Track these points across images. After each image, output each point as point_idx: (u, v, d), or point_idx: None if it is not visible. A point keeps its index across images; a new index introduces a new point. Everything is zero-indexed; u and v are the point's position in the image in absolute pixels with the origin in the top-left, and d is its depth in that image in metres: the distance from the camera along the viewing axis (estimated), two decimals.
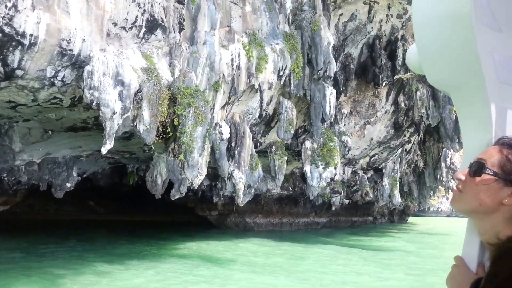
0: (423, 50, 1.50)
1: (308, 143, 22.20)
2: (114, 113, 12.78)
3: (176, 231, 25.80)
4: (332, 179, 22.77)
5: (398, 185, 31.01)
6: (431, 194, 38.01)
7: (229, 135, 18.35)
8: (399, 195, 31.12)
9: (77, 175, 19.38)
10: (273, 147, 21.90)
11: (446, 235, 35.30)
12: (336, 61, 22.82)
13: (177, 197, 16.18)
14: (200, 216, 28.29)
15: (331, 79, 20.52)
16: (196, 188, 16.67)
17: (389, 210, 50.59)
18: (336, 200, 29.47)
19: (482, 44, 1.33)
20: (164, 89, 13.73)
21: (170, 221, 29.91)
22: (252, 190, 19.78)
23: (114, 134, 12.98)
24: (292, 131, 19.93)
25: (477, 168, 1.15)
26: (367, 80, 23.35)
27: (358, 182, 30.83)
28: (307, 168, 21.89)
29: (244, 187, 19.24)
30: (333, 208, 30.02)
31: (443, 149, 33.81)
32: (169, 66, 15.17)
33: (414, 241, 27.37)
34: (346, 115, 24.95)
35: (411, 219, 64.82)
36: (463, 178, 1.19)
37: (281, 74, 18.08)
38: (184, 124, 14.31)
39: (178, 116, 14.30)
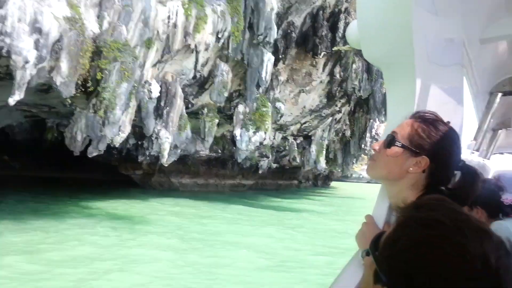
0: (364, 27, 1.57)
1: (241, 107, 21.87)
2: (26, 62, 11.42)
3: (95, 190, 24.67)
4: (261, 143, 22.86)
5: (324, 152, 32.06)
6: (354, 162, 39.91)
7: (159, 94, 17.44)
8: (325, 161, 32.25)
9: None
10: (205, 109, 21.31)
11: (361, 199, 37.59)
12: (278, 29, 22.28)
13: (94, 154, 15.25)
14: (124, 175, 27.28)
15: (271, 45, 20.06)
16: (117, 146, 15.79)
17: (314, 175, 52.71)
18: (264, 163, 29.86)
19: (417, 26, 1.42)
20: (88, 41, 12.45)
21: (92, 179, 28.56)
22: (179, 151, 19.25)
23: (26, 84, 11.66)
24: (226, 95, 19.43)
25: (389, 140, 1.25)
26: (306, 50, 23.19)
27: (287, 148, 31.37)
28: (237, 131, 21.69)
29: (171, 147, 18.66)
30: (260, 171, 30.43)
31: (370, 121, 35.30)
32: (98, 18, 13.76)
33: (330, 204, 28.73)
34: (282, 82, 24.80)
35: (334, 184, 68.43)
36: (377, 148, 1.28)
37: (220, 36, 17.27)
38: (108, 79, 13.24)
39: (102, 70, 13.16)
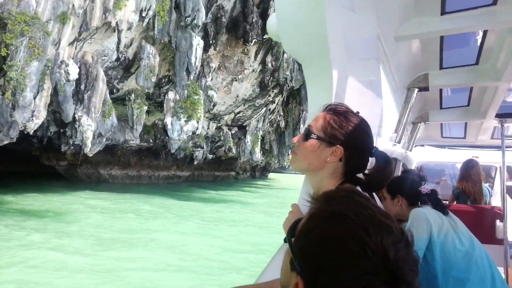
0: (281, 21, 1.60)
1: (171, 94, 21.11)
2: None
3: (11, 183, 22.68)
4: (194, 132, 22.26)
5: (259, 142, 32.07)
6: (289, 153, 40.44)
7: (78, 76, 16.30)
8: (260, 152, 32.27)
9: None
10: (132, 95, 20.31)
11: (296, 190, 38.22)
12: (208, 12, 21.78)
13: (6, 142, 13.88)
14: (47, 166, 25.40)
15: (199, 28, 19.51)
16: (32, 133, 14.50)
17: (251, 166, 52.91)
18: (199, 154, 29.26)
19: (332, 21, 1.46)
20: None
21: (10, 171, 26.27)
22: (104, 140, 18.17)
23: None
24: (154, 80, 18.61)
25: (306, 133, 1.29)
26: (237, 36, 22.88)
27: (222, 138, 30.98)
28: (168, 120, 20.92)
29: (94, 135, 17.55)
30: (195, 163, 29.79)
31: (303, 112, 35.85)
32: None
33: (265, 195, 28.81)
34: (214, 70, 24.33)
35: (272, 175, 69.19)
36: (296, 142, 1.32)
37: (143, 15, 16.44)
38: (14, 57, 12.02)
39: (7, 46, 11.92)
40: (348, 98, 1.51)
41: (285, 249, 1.20)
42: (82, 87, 16.47)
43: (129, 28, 16.11)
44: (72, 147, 23.55)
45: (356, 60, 1.61)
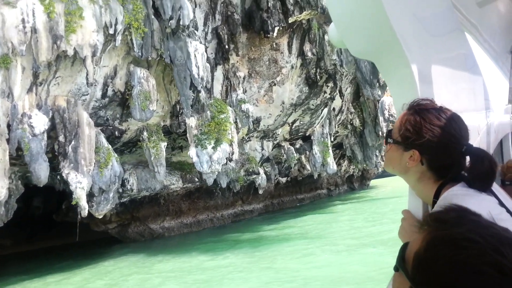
0: (339, 24, 1.58)
1: (192, 120, 17.27)
2: None
3: (69, 255, 20.65)
4: (230, 159, 18.03)
5: (330, 151, 26.68)
6: (377, 154, 34.01)
7: (52, 127, 13.22)
8: (333, 162, 26.80)
9: None
10: (145, 133, 16.88)
11: (398, 198, 31.51)
12: (214, 13, 17.87)
13: None
14: (98, 232, 23.14)
15: (192, 30, 15.56)
16: None
17: (343, 178, 46.94)
18: (261, 181, 24.85)
19: (391, 10, 1.34)
20: None
21: (64, 244, 24.65)
22: (111, 195, 14.78)
23: None
24: (153, 108, 14.94)
25: (386, 136, 1.26)
26: (255, 30, 18.49)
27: (284, 156, 26.30)
28: (192, 151, 17.03)
29: (94, 192, 14.23)
30: (260, 192, 25.42)
31: (379, 101, 29.65)
32: None
33: (352, 211, 23.21)
34: (245, 79, 20.10)
35: (375, 182, 62.07)
36: (384, 143, 1.29)
37: (111, 32, 12.94)
38: None
39: None
40: (436, 82, 1.39)
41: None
42: (61, 138, 13.33)
43: (94, 53, 12.69)
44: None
45: (435, 37, 1.46)
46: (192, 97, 15.35)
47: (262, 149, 24.53)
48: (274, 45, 19.80)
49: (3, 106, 11.96)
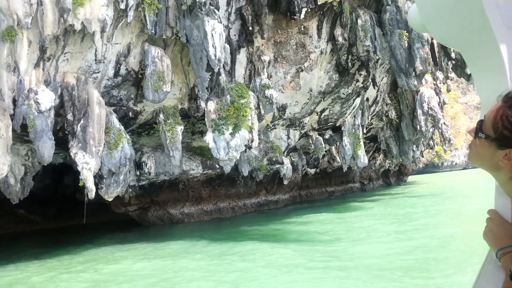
0: (423, 6, 1.47)
1: (211, 104, 16.54)
2: None
3: (88, 235, 20.70)
4: (249, 147, 17.18)
5: (362, 143, 25.23)
6: (414, 149, 32.06)
7: (60, 104, 12.85)
8: (364, 155, 25.34)
9: None
10: (161, 115, 16.32)
11: (434, 196, 29.53)
12: None
13: None
14: (119, 214, 23.06)
15: (212, 8, 14.67)
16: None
17: (378, 172, 45.05)
18: (286, 171, 23.84)
19: None
20: None
21: (88, 224, 24.87)
22: (121, 177, 14.32)
23: None
24: (166, 89, 14.29)
25: (476, 130, 1.15)
26: (281, 11, 17.37)
27: (312, 147, 25.14)
28: (209, 136, 16.32)
29: (103, 173, 13.83)
30: (285, 182, 24.43)
31: (418, 93, 27.75)
32: None
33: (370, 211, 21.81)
34: (270, 63, 19.08)
35: (416, 177, 59.50)
36: (469, 135, 1.19)
37: (122, 6, 12.32)
38: None
39: None
40: None
41: (492, 264, 1.11)
42: (70, 116, 12.94)
43: (103, 29, 12.12)
44: (131, 190, 20.63)
45: None
46: (208, 79, 14.55)
47: (288, 138, 23.50)
48: (302, 29, 18.61)
49: (8, 81, 11.66)
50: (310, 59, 19.54)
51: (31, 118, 11.72)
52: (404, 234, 13.93)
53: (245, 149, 17.24)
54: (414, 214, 18.78)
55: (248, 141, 16.75)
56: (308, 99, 21.11)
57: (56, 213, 30.08)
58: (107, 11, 12.10)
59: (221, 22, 14.81)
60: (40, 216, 30.41)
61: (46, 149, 11.84)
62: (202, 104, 15.67)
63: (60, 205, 29.71)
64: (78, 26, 11.73)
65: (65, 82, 12.85)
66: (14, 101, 11.88)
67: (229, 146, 16.21)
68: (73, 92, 12.91)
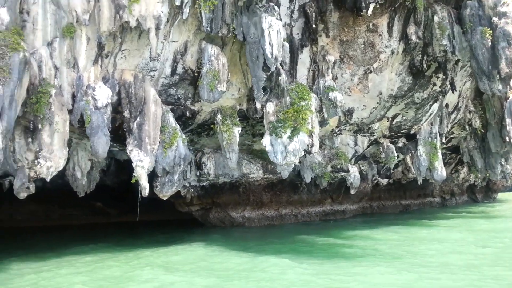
0: None
1: (270, 106, 15.97)
2: None
3: (152, 233, 21.27)
4: (309, 152, 16.29)
5: (439, 154, 22.97)
6: (503, 163, 28.60)
7: (118, 101, 13.11)
8: (442, 167, 23.04)
9: None
10: (219, 116, 16.10)
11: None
12: None
13: (22, 194, 11.34)
14: (182, 212, 23.36)
15: (272, 5, 14.13)
16: (48, 179, 11.64)
17: (461, 187, 41.17)
18: (353, 180, 22.45)
19: None
20: None
21: (158, 221, 25.53)
22: (175, 177, 14.24)
23: None
24: (221, 88, 14.00)
25: None
26: (347, 8, 16.32)
27: (383, 155, 23.45)
28: (266, 139, 15.72)
29: (158, 173, 13.86)
30: (352, 192, 23.01)
31: (508, 100, 24.68)
32: None
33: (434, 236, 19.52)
34: (335, 64, 18.08)
35: (507, 195, 53.94)
36: None
37: (177, 3, 12.27)
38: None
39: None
40: None
41: None
42: (126, 114, 13.14)
43: (157, 26, 12.14)
44: (192, 190, 20.74)
45: None
46: (264, 79, 13.99)
47: (356, 144, 22.14)
48: (371, 26, 17.36)
49: (68, 77, 12.10)
50: (379, 59, 18.18)
51: (88, 114, 12.03)
52: (482, 270, 10.77)
53: (305, 154, 16.37)
54: (499, 243, 15.42)
55: (308, 145, 15.86)
56: (377, 103, 19.67)
57: (130, 207, 31.28)
58: (162, 8, 12.08)
59: (280, 19, 14.21)
60: (116, 210, 31.93)
61: (101, 145, 12.06)
62: (258, 105, 15.12)
63: (134, 200, 30.93)
64: (133, 23, 11.84)
65: (122, 79, 13.08)
66: (73, 97, 12.27)
67: (286, 150, 15.47)
68: (130, 90, 13.09)
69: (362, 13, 15.87)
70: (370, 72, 18.52)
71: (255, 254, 13.57)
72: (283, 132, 15.47)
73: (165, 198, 14.88)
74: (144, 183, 13.11)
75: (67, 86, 12.09)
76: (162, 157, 13.65)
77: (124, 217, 29.08)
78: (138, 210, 15.06)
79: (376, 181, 27.74)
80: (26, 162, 10.91)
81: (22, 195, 11.21)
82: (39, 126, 11.08)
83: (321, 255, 13.25)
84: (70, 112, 12.17)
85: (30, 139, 11.02)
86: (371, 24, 17.28)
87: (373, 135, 22.34)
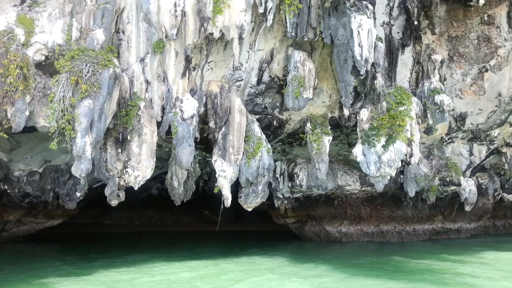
0: None
1: (364, 112, 14.79)
2: None
3: (246, 243, 21.42)
4: (407, 162, 14.64)
5: None
6: None
7: (205, 112, 13.27)
8: None
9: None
10: (308, 124, 15.38)
11: None
12: None
13: (114, 202, 12.00)
14: (279, 224, 22.95)
15: (364, 3, 13.00)
16: (136, 187, 12.12)
17: None
18: (468, 194, 19.78)
19: None
20: (16, 54, 9.90)
21: (245, 231, 25.56)
22: (260, 188, 13.87)
23: None
24: (307, 95, 13.31)
25: None
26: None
27: (506, 167, 20.23)
28: (357, 149, 14.53)
29: (242, 183, 13.67)
30: (467, 208, 20.26)
31: None
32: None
33: None
34: (443, 63, 16.09)
35: None
36: None
37: (260, 10, 12.00)
38: (58, 98, 10.12)
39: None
40: None
41: None
42: (212, 124, 13.21)
43: (240, 35, 11.95)
44: (286, 201, 20.31)
45: None
46: (353, 83, 12.92)
47: (471, 154, 19.45)
48: (486, 18, 15.05)
49: (158, 90, 12.55)
50: (497, 55, 15.69)
51: (175, 125, 12.32)
52: None
53: (402, 165, 14.74)
54: None
55: (406, 155, 14.24)
56: (496, 106, 16.98)
57: (236, 217, 31.93)
58: (245, 17, 11.87)
59: (373, 17, 13.00)
60: (222, 218, 32.77)
61: (185, 155, 12.24)
62: (346, 112, 14.01)
63: (241, 210, 31.58)
64: (216, 34, 11.81)
65: (209, 90, 13.18)
66: (163, 109, 12.70)
67: (380, 161, 14.08)
68: (216, 100, 13.13)
69: (472, 3, 13.81)
70: (486, 70, 16.09)
71: None
72: (376, 140, 14.13)
73: (249, 209, 14.60)
74: (227, 193, 12.98)
75: (157, 99, 12.55)
76: (246, 167, 13.40)
77: (229, 226, 29.72)
78: (219, 221, 15.01)
79: (500, 197, 24.14)
80: (116, 171, 11.52)
81: (114, 202, 11.86)
82: (128, 137, 11.62)
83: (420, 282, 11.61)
84: (159, 123, 12.58)
85: (119, 150, 11.60)
86: (485, 15, 14.99)
87: (493, 144, 19.39)
